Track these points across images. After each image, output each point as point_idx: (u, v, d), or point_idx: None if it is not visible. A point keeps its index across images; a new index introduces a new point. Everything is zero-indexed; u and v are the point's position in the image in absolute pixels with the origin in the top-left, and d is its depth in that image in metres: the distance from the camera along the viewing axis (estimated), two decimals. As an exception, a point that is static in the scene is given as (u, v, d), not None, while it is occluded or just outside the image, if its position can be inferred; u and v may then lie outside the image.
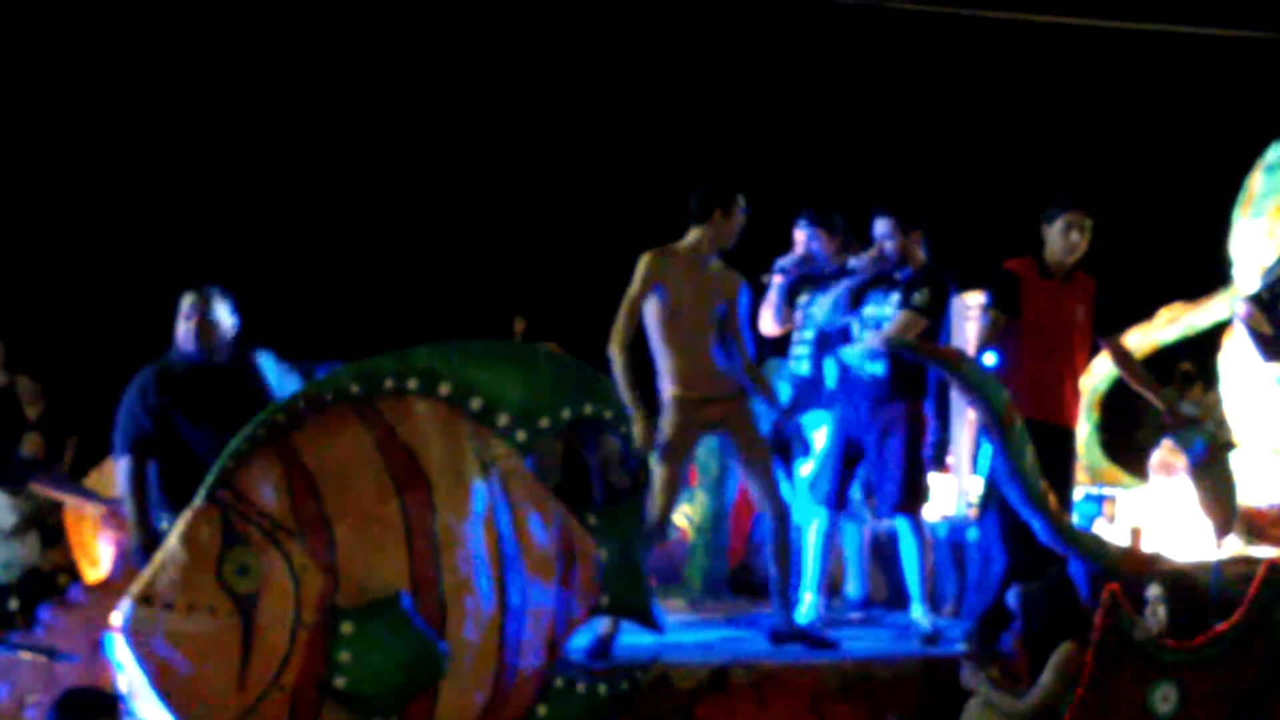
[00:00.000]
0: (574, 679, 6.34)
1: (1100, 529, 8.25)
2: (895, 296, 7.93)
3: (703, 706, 6.99)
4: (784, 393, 9.07)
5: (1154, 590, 7.07)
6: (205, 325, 7.03)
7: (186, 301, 7.06)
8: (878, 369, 7.96)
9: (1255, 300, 8.45)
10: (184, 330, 7.03)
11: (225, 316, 7.10)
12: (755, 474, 7.74)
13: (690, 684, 7.02)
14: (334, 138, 16.96)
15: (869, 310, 8.03)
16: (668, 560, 9.71)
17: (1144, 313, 10.51)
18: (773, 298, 8.83)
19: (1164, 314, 10.48)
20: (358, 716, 5.61)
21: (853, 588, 9.01)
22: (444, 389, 6.03)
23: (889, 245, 8.03)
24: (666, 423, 7.53)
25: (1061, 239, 7.73)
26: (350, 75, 17.12)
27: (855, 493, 8.45)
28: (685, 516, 9.45)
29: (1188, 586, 7.10)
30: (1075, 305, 7.85)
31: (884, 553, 8.91)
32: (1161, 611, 7.02)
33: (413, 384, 5.99)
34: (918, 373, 7.93)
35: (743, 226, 7.65)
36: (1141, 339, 10.33)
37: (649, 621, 6.67)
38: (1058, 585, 7.19)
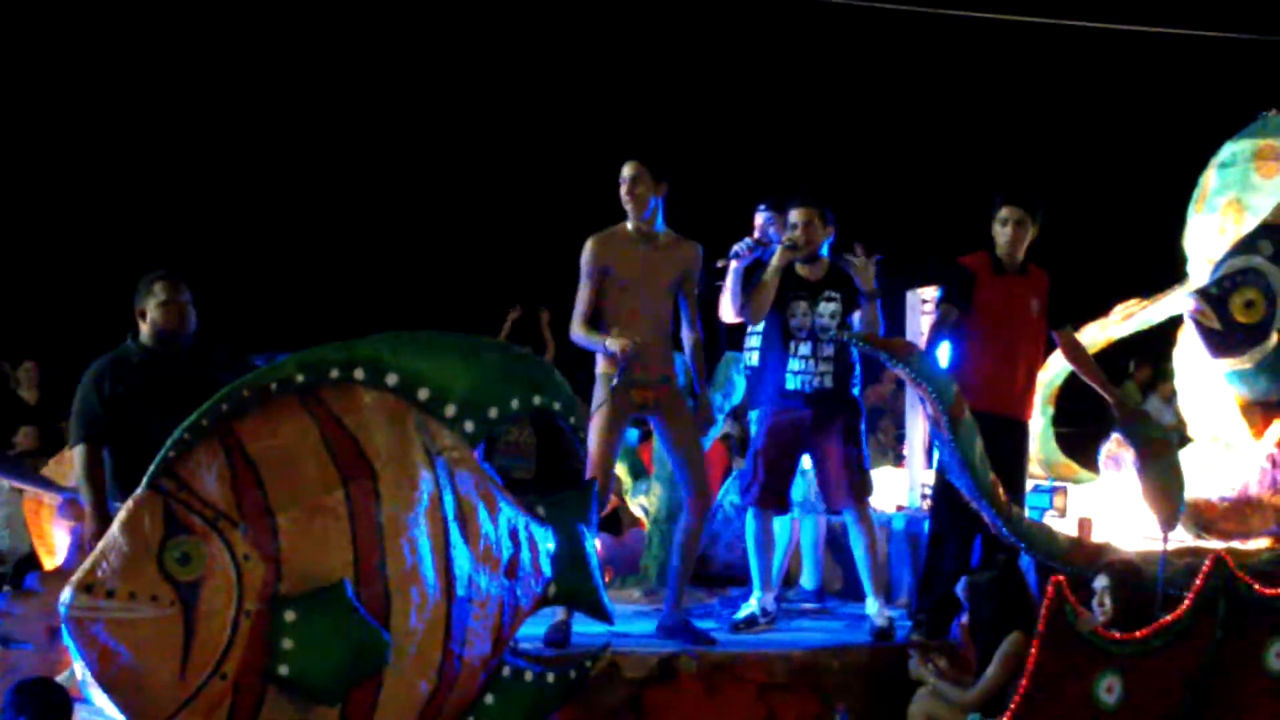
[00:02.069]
0: (522, 668, 6.38)
1: (1051, 521, 8.27)
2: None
3: (651, 696, 7.03)
4: (739, 385, 9.11)
5: (1101, 581, 7.12)
6: (184, 308, 6.98)
7: (159, 287, 6.96)
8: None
9: (1203, 295, 8.50)
10: (158, 314, 6.93)
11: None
12: (681, 464, 7.78)
13: (639, 674, 7.07)
14: (333, 129, 16.90)
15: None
16: (625, 551, 9.76)
17: (1100, 308, 10.56)
18: (730, 283, 8.82)
19: (1120, 309, 10.50)
20: (301, 704, 5.63)
21: (807, 579, 9.05)
22: (391, 379, 6.05)
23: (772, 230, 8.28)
24: (596, 400, 7.60)
25: (999, 233, 7.83)
26: (339, 69, 17.07)
27: (798, 490, 8.48)
28: (641, 508, 9.47)
29: (1135, 578, 7.16)
30: (1028, 299, 7.91)
31: (840, 544, 8.93)
32: (1109, 602, 7.07)
33: (359, 374, 6.01)
34: (855, 367, 8.02)
35: (627, 193, 7.63)
36: (1098, 333, 10.35)
37: (599, 612, 6.69)
38: (1005, 576, 7.22)
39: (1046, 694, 6.71)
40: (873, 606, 7.91)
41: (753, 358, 8.54)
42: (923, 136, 16.75)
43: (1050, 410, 10.32)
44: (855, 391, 8.10)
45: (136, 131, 16.58)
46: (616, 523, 10.37)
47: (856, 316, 8.01)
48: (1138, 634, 6.91)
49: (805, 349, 8.02)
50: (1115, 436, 8.12)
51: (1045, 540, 7.67)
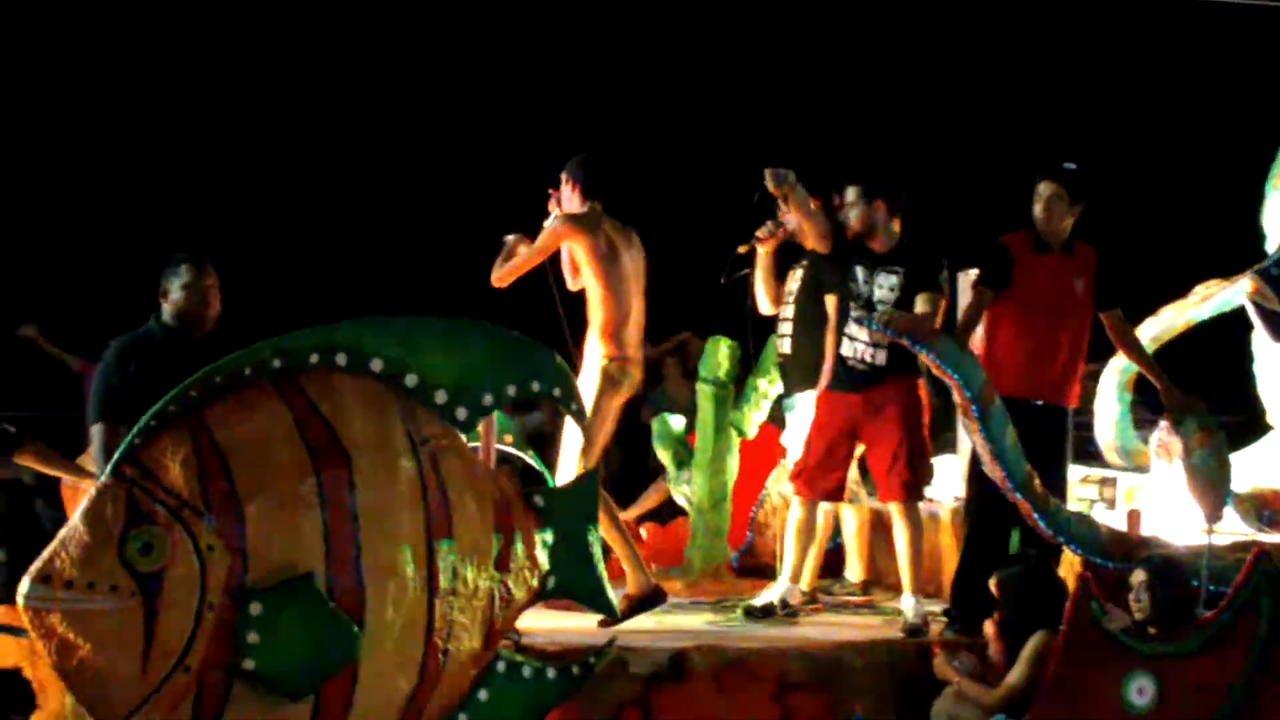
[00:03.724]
0: (519, 662, 6.16)
1: (1099, 514, 7.93)
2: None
3: (660, 694, 6.79)
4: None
5: (1138, 576, 6.77)
6: (207, 293, 6.92)
7: (184, 269, 6.91)
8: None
9: (1262, 275, 8.11)
10: (181, 296, 6.88)
11: None
12: None
13: (648, 670, 6.83)
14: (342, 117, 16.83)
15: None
16: (670, 541, 9.53)
17: (1179, 289, 10.16)
18: (763, 276, 8.58)
19: (1199, 290, 10.11)
20: (269, 699, 5.45)
21: (851, 570, 8.77)
22: (375, 365, 5.84)
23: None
24: (599, 384, 7.78)
25: (1035, 210, 7.52)
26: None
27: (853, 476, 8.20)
28: (683, 497, 9.24)
29: (1174, 573, 6.77)
30: (1072, 279, 7.58)
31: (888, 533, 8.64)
32: (1145, 599, 6.72)
33: (341, 359, 5.80)
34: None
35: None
36: (1175, 316, 9.96)
37: (602, 606, 6.46)
38: (1035, 571, 6.91)
39: (1071, 694, 6.42)
40: (908, 602, 7.61)
41: (785, 345, 8.31)
42: (990, 114, 16.32)
43: (1128, 397, 9.95)
44: (916, 371, 7.75)
45: (152, 119, 16.59)
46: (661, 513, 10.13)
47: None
48: (1174, 633, 6.57)
49: (861, 321, 7.65)
50: (1164, 425, 7.74)
51: (1086, 533, 7.35)
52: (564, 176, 8.08)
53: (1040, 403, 7.47)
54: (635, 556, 7.98)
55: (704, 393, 9.02)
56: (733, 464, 9.07)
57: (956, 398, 7.13)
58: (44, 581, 5.22)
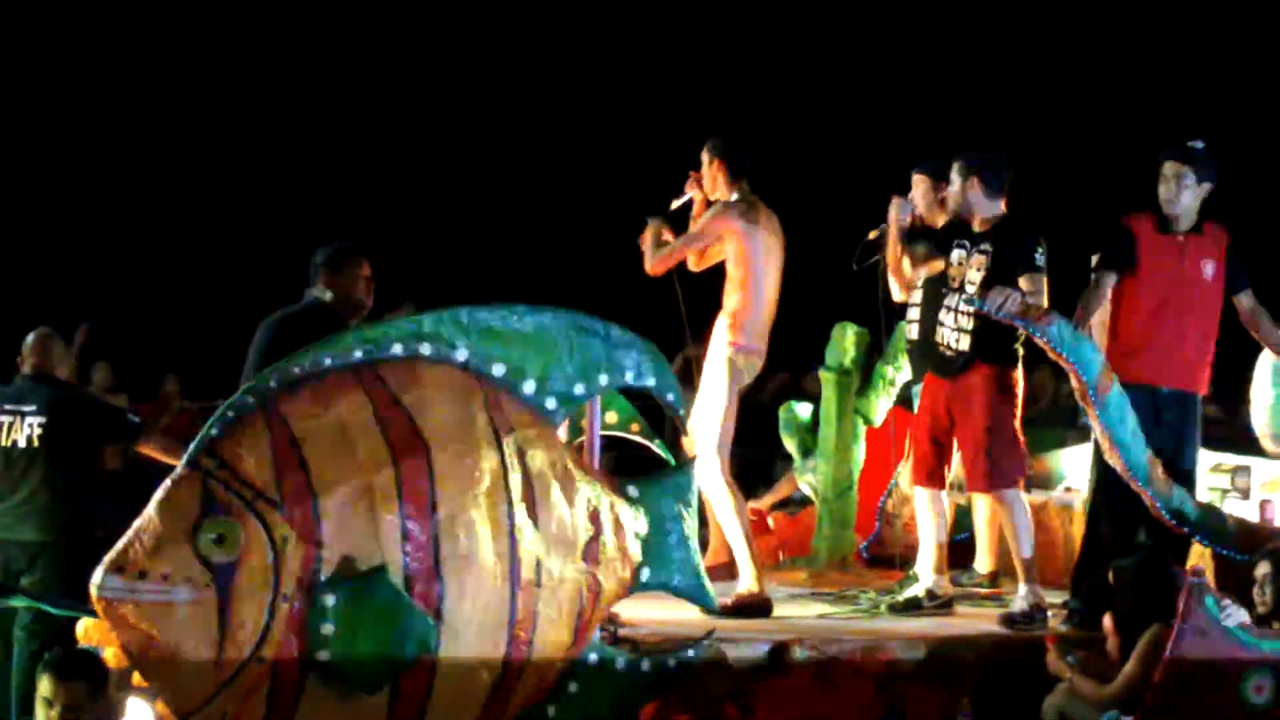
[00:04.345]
0: (612, 655, 6.07)
1: (1232, 504, 7.63)
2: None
3: (758, 687, 6.63)
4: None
5: (1262, 568, 6.49)
6: (371, 285, 7.13)
7: (356, 259, 7.17)
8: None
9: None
10: (357, 283, 7.14)
11: None
12: None
13: (748, 662, 6.67)
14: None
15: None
16: (799, 531, 9.36)
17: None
18: (892, 263, 8.35)
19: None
20: (344, 692, 5.43)
21: (980, 561, 8.53)
22: (461, 354, 5.78)
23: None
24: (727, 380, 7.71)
25: (1160, 189, 7.21)
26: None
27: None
28: (809, 485, 9.07)
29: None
30: (1200, 260, 7.29)
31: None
32: (1268, 592, 6.44)
33: (425, 349, 5.75)
34: (1003, 336, 7.36)
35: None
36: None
37: (698, 598, 6.34)
38: (1151, 561, 6.64)
39: (1184, 691, 6.15)
40: (1020, 593, 7.37)
41: (913, 331, 8.12)
42: (1126, 92, 15.84)
43: (1287, 381, 9.57)
44: (1005, 359, 7.46)
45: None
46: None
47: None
48: (1296, 629, 6.29)
49: (952, 305, 7.45)
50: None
51: (1214, 524, 7.07)
52: (705, 156, 7.95)
53: (1166, 389, 7.20)
54: (750, 559, 7.76)
55: (827, 380, 8.83)
56: (858, 452, 8.87)
57: (1073, 383, 6.89)
58: (118, 572, 5.23)
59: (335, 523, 5.42)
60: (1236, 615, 6.24)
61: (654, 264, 7.82)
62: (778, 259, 7.90)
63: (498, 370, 5.84)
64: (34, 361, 8.02)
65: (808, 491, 9.15)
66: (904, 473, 8.98)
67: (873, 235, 8.35)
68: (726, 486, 7.76)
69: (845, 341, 8.86)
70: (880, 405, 8.84)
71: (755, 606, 7.65)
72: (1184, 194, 7.21)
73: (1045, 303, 7.10)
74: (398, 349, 5.73)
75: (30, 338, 8.09)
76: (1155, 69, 15.83)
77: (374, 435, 5.56)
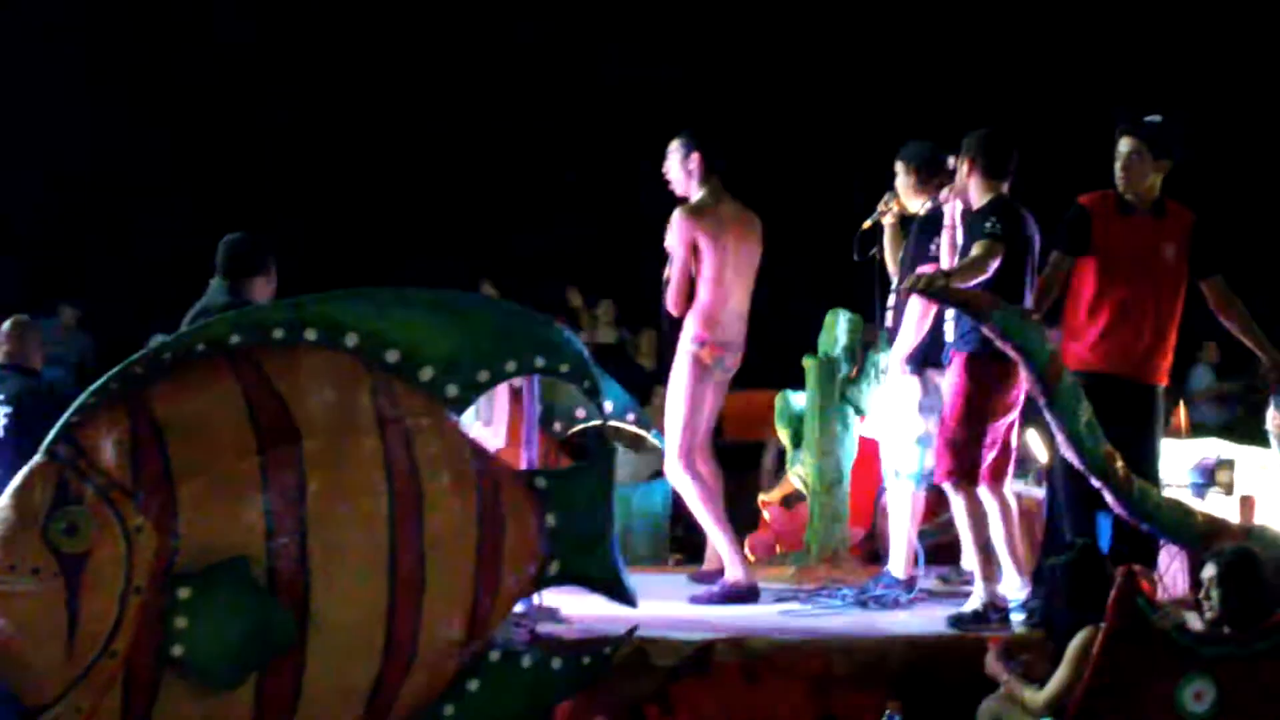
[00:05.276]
0: (519, 652, 5.86)
1: (1214, 499, 7.23)
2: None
3: (681, 688, 6.38)
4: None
5: (1209, 570, 6.09)
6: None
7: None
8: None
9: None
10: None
11: None
12: None
13: (670, 662, 6.42)
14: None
15: None
16: (797, 525, 9.08)
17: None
18: (890, 251, 8.09)
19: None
20: (200, 688, 5.28)
21: (968, 559, 8.16)
22: (350, 340, 5.60)
23: None
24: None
25: (1116, 168, 6.85)
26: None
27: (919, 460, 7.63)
28: (799, 478, 8.78)
29: (1251, 568, 6.05)
30: (1162, 244, 6.93)
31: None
32: (1215, 596, 6.04)
33: (310, 335, 5.57)
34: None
35: None
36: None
37: (616, 593, 6.10)
38: (1082, 560, 6.28)
39: (1115, 697, 5.79)
40: (975, 592, 7.03)
41: None
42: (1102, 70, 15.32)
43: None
44: (978, 347, 7.00)
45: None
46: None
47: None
48: (1241, 634, 5.89)
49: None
50: (1276, 402, 7.01)
51: (1178, 520, 6.68)
52: (677, 148, 7.85)
53: (1123, 378, 6.84)
54: (729, 544, 7.70)
55: (810, 368, 8.53)
56: (850, 444, 8.54)
57: (1023, 373, 6.55)
58: (-33, 562, 5.15)
59: (193, 513, 5.27)
60: (1170, 618, 5.88)
61: (672, 303, 7.81)
62: (748, 253, 7.83)
63: (391, 356, 5.64)
64: (7, 349, 8.01)
65: (798, 484, 8.85)
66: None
67: (866, 226, 8.12)
68: (691, 479, 7.65)
69: (837, 328, 8.56)
70: (873, 395, 8.52)
71: (741, 595, 7.55)
72: (1140, 173, 6.84)
73: (991, 270, 6.71)
74: (279, 334, 5.57)
75: (6, 325, 8.07)
76: (1121, 47, 15.40)
77: (241, 423, 5.39)
